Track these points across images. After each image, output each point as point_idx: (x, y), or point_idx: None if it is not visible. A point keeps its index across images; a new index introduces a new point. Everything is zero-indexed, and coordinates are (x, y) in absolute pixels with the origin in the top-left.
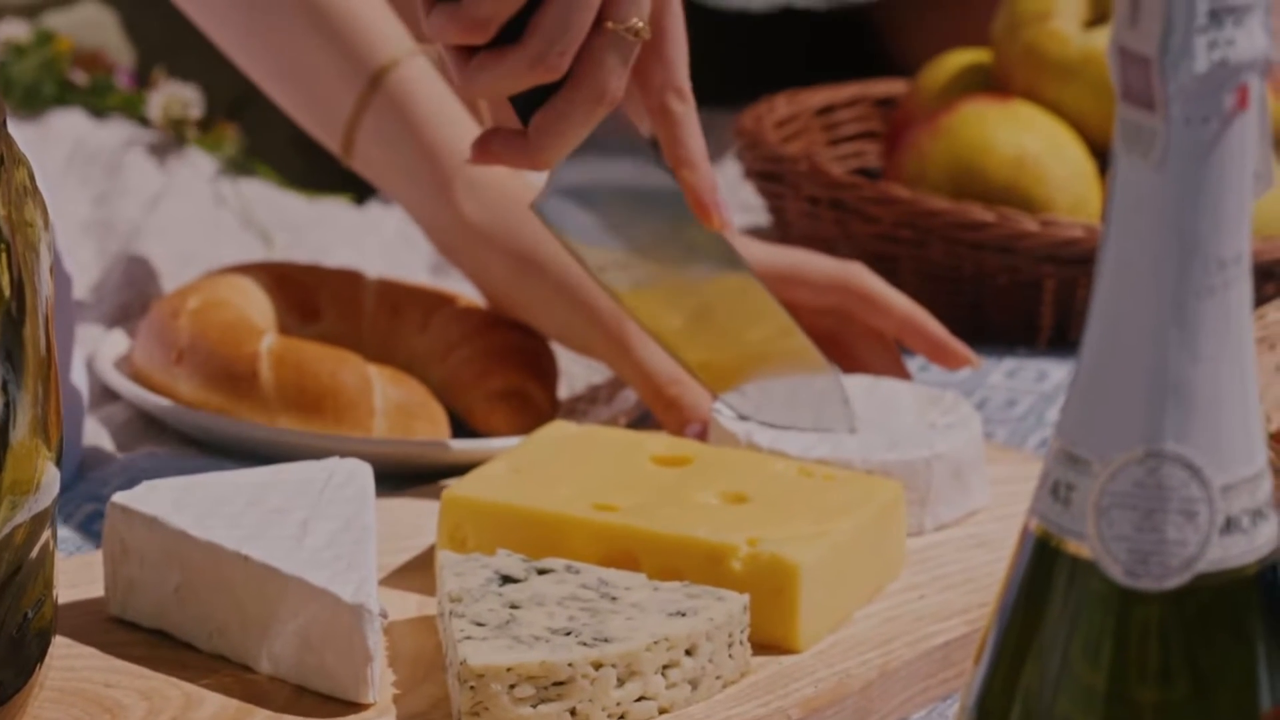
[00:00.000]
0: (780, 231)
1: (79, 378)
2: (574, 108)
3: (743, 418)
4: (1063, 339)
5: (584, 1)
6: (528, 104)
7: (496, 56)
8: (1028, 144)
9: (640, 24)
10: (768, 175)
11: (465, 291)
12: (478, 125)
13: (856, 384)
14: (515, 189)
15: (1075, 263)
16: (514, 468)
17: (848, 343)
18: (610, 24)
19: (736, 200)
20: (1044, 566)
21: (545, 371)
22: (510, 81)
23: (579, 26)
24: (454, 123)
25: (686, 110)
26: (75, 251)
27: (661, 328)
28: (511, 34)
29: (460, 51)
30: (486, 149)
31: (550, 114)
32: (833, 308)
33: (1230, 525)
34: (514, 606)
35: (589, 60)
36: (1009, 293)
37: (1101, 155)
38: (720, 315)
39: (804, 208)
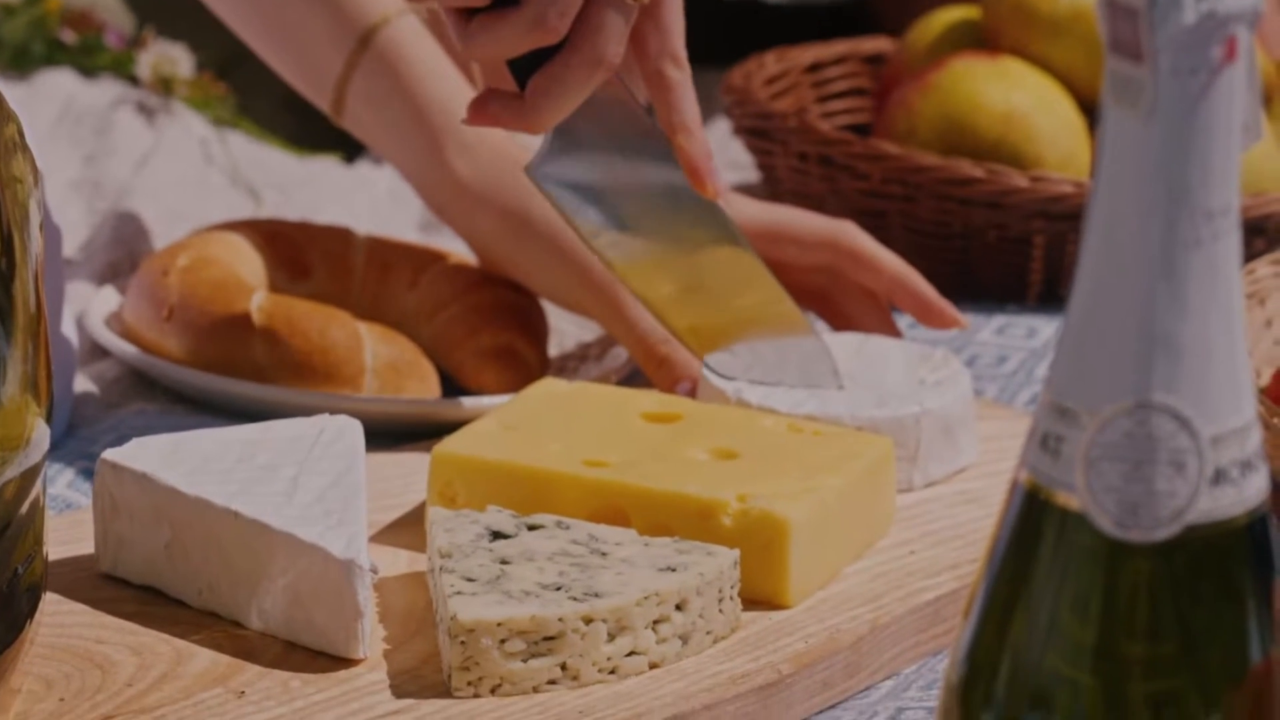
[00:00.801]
0: (769, 188)
1: (69, 334)
2: (571, 71)
3: (728, 377)
4: (1053, 295)
5: None
6: (526, 67)
7: (496, 18)
8: (1017, 100)
9: None
10: (757, 132)
11: (455, 249)
12: (469, 84)
13: (846, 341)
14: (507, 148)
15: (1065, 218)
16: (504, 425)
17: (838, 300)
18: None
19: (726, 157)
20: (1033, 518)
21: (535, 329)
22: (509, 44)
23: None
24: (445, 81)
25: (682, 77)
26: (64, 211)
27: (652, 294)
28: None
29: (459, 14)
30: (483, 110)
31: (547, 77)
32: (823, 265)
33: (1219, 476)
34: (504, 562)
35: (587, 24)
36: (998, 249)
37: (1091, 111)
38: (710, 282)
39: (793, 164)
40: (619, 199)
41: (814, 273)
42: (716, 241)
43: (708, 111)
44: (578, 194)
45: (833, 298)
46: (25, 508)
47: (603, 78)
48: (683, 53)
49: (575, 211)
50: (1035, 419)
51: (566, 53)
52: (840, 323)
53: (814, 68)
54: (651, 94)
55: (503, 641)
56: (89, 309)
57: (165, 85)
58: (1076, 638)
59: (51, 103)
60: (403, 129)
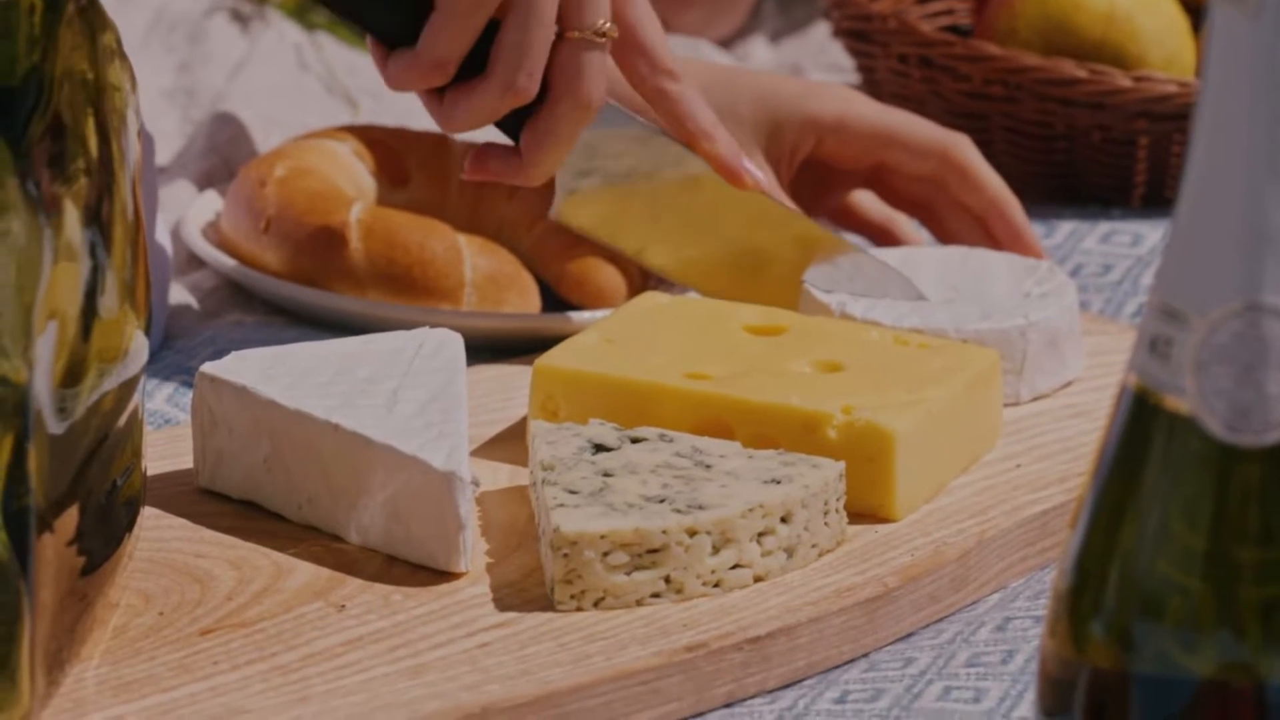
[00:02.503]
0: (870, 90)
1: (163, 245)
2: (558, 122)
3: (829, 290)
4: (1157, 197)
5: (539, 19)
6: (514, 121)
7: (466, 91)
8: (1119, 0)
9: (605, 23)
10: (857, 34)
11: None
12: None
13: (951, 254)
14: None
15: (1169, 119)
16: (606, 338)
17: (940, 213)
18: (573, 33)
19: (825, 60)
20: (1142, 423)
21: None
22: (485, 114)
23: (540, 45)
24: None
25: (683, 87)
26: (158, 120)
27: (716, 286)
28: (476, 64)
29: (431, 93)
30: (483, 167)
31: (537, 131)
32: (929, 175)
33: None
34: (607, 475)
35: (562, 73)
36: (1102, 150)
37: (1194, 11)
38: (766, 257)
39: (893, 66)
40: (646, 207)
41: (920, 182)
42: (750, 211)
43: (808, 15)
44: (608, 219)
45: (935, 210)
46: (123, 420)
47: (591, 119)
48: (675, 64)
49: (612, 236)
50: (1143, 322)
51: (550, 104)
52: (940, 235)
53: None
54: (659, 112)
55: (606, 554)
56: (185, 218)
57: None
58: (1186, 543)
59: (144, 11)
60: None
